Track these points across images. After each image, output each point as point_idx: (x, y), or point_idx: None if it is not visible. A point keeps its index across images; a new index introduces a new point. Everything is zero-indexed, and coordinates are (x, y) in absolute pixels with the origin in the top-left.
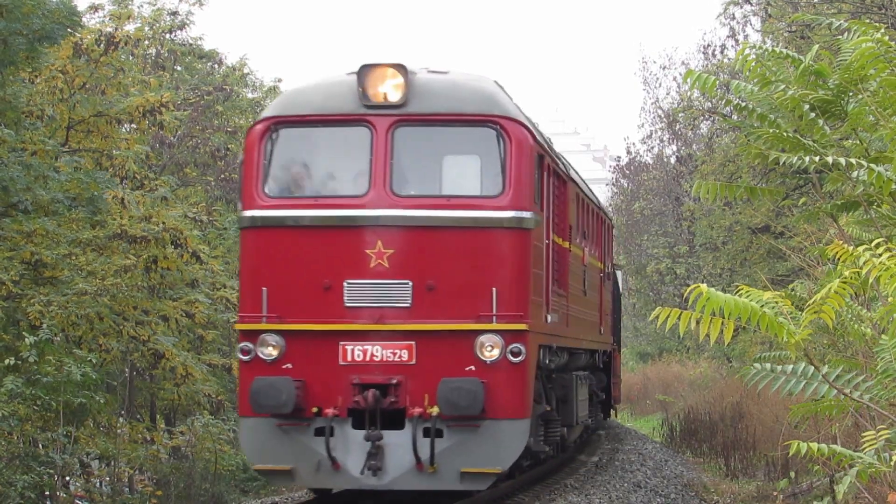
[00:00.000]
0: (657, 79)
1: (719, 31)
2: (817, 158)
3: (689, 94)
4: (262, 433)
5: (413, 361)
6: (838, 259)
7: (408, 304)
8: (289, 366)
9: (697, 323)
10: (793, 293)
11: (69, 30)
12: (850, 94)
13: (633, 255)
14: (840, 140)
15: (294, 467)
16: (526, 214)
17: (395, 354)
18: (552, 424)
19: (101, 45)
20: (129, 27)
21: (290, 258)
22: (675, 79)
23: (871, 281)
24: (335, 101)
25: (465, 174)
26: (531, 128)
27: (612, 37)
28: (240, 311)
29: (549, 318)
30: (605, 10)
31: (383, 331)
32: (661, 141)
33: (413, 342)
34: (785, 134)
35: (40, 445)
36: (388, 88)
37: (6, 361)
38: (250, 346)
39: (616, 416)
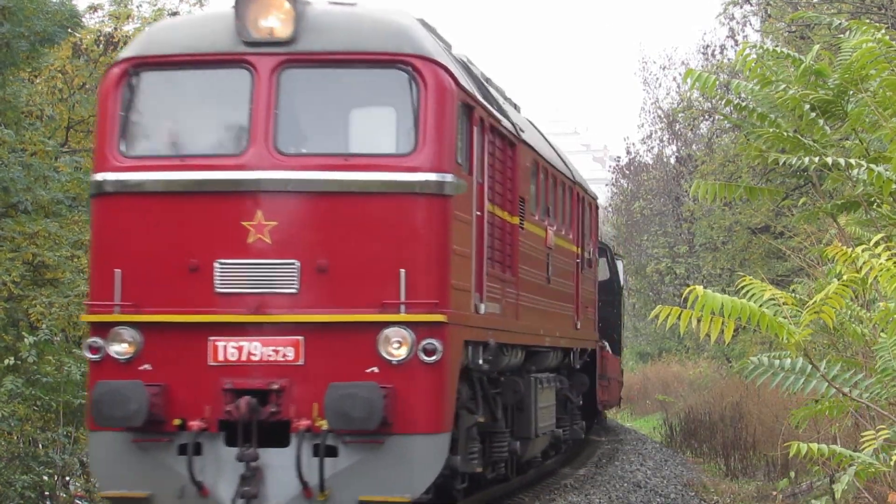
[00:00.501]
0: (657, 79)
1: (719, 31)
2: (817, 159)
3: (688, 94)
4: (112, 451)
5: (300, 361)
6: (838, 260)
7: (294, 290)
8: (147, 367)
9: (698, 322)
10: (793, 294)
11: (70, 31)
12: (850, 94)
13: (633, 255)
14: (840, 140)
15: (151, 494)
16: (444, 177)
17: (277, 353)
18: (497, 438)
19: (101, 46)
20: (129, 27)
21: (149, 233)
22: (674, 79)
23: (870, 281)
24: (209, 38)
25: (368, 128)
26: (456, 71)
27: (612, 37)
28: (88, 299)
29: (482, 307)
30: (606, 10)
31: (263, 323)
32: (661, 141)
33: (300, 337)
34: (785, 134)
35: (40, 445)
36: (274, 21)
37: (6, 361)
38: (100, 342)
39: (605, 419)
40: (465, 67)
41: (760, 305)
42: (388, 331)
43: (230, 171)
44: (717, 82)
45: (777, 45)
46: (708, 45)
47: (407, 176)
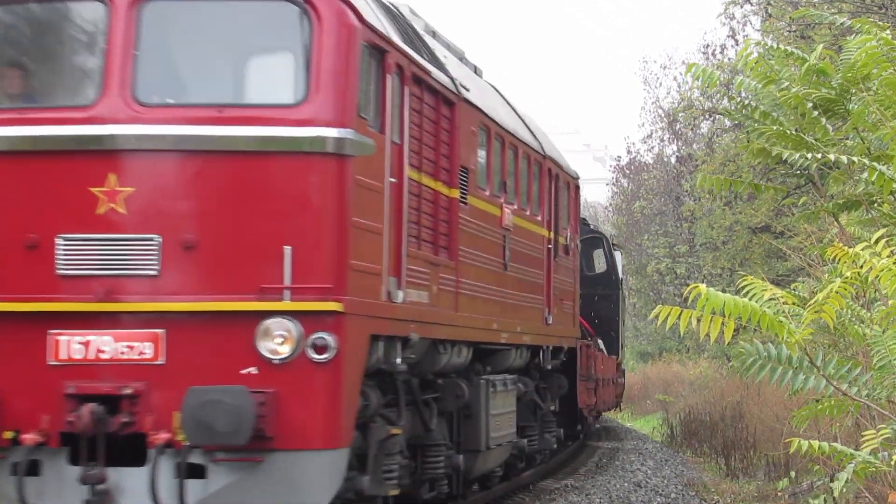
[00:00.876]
0: (657, 78)
1: (719, 30)
2: (819, 155)
3: (689, 93)
4: None
5: (160, 360)
6: (838, 260)
7: (154, 272)
8: None
9: (698, 321)
10: (794, 293)
11: None
12: (853, 93)
13: (634, 254)
14: (841, 140)
15: None
16: (342, 133)
17: (132, 349)
18: (431, 452)
19: None
20: None
21: None
22: (675, 78)
23: (870, 280)
24: None
25: (249, 73)
26: (362, 6)
27: (612, 36)
28: None
29: (399, 295)
30: (606, 9)
31: (116, 313)
32: (662, 140)
33: (161, 330)
34: (787, 132)
35: None
36: None
37: None
38: None
39: (592, 426)
40: (391, 12)
41: (761, 305)
42: (269, 322)
43: (76, 125)
44: (719, 80)
45: (779, 44)
46: (708, 45)
47: (293, 131)
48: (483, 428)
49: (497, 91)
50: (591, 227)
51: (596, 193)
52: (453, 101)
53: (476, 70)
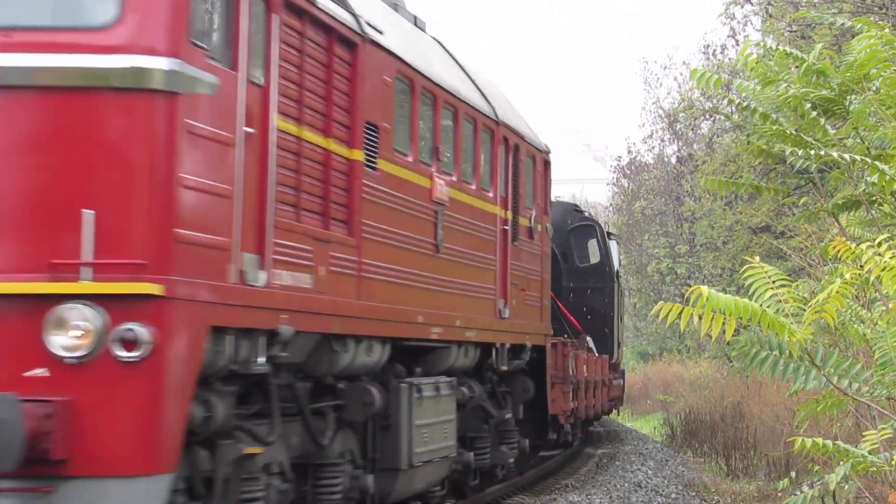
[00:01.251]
0: (658, 78)
1: (720, 30)
2: (822, 153)
3: (689, 93)
4: None
5: None
6: (840, 257)
7: None
8: None
9: (699, 319)
10: (795, 292)
11: None
12: (853, 93)
13: (634, 254)
14: (841, 140)
15: None
16: (168, 64)
17: None
18: (325, 473)
19: None
20: None
21: None
22: (675, 79)
23: (871, 280)
24: None
25: None
26: None
27: (612, 37)
28: None
29: (261, 276)
30: (606, 10)
31: None
32: (662, 141)
33: None
34: (787, 132)
35: None
36: None
37: None
38: None
39: (570, 438)
40: None
41: (762, 304)
42: (62, 309)
43: None
44: (721, 82)
45: (778, 45)
46: (709, 45)
47: (99, 60)
48: (404, 442)
49: (443, 47)
50: (586, 214)
51: (596, 193)
52: (355, 42)
53: (416, 22)
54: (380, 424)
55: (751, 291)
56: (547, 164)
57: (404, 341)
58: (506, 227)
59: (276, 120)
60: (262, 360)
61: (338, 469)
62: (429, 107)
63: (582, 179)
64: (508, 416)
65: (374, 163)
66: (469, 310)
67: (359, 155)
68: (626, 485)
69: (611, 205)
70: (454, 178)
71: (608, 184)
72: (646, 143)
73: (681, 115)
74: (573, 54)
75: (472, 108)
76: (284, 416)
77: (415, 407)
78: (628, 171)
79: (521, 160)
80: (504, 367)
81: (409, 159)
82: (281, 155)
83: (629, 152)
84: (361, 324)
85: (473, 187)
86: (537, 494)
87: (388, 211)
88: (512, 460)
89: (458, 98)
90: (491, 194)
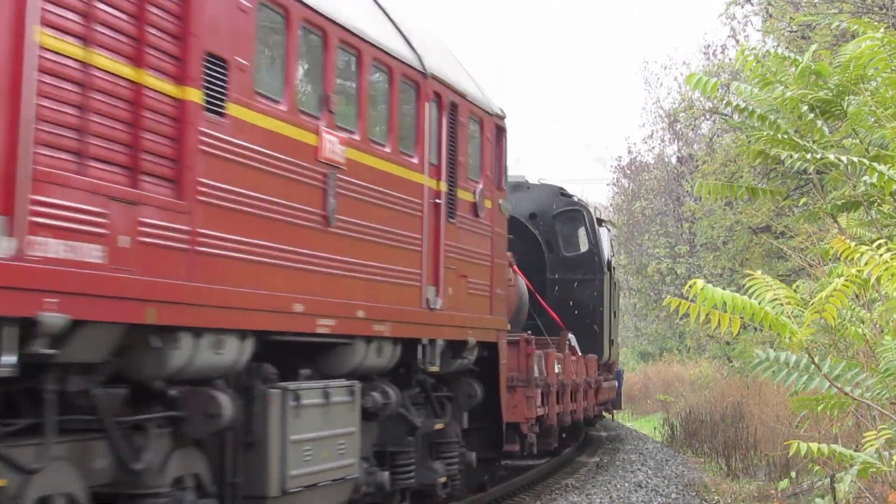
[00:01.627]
0: (658, 78)
1: (720, 31)
2: (819, 156)
3: (690, 94)
4: None
5: None
6: (840, 256)
7: None
8: None
9: (708, 314)
10: (795, 292)
11: None
12: (851, 93)
13: (634, 254)
14: (839, 141)
15: None
16: None
17: None
18: None
19: None
20: None
21: None
22: (675, 79)
23: (871, 280)
24: None
25: None
26: None
27: (613, 37)
28: None
29: (2, 245)
30: (606, 10)
31: None
32: (662, 141)
33: None
34: (785, 135)
35: None
36: None
37: None
38: None
39: (532, 450)
40: None
41: (761, 304)
42: None
43: None
44: (719, 84)
45: (778, 46)
46: (709, 45)
47: None
48: (272, 462)
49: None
50: (574, 198)
51: (597, 193)
52: None
53: None
54: (241, 441)
55: (750, 292)
56: (501, 130)
57: (276, 336)
58: (437, 201)
59: (36, 34)
60: (7, 358)
61: (161, 500)
62: (316, 46)
63: (581, 180)
64: (440, 425)
65: (220, 107)
66: (380, 298)
67: (194, 95)
68: (627, 485)
69: (611, 205)
70: (355, 137)
71: (608, 184)
72: (646, 143)
73: (681, 115)
74: (573, 54)
75: (386, 53)
76: (83, 432)
77: (290, 418)
78: (628, 171)
79: (462, 122)
80: (434, 368)
81: (282, 108)
82: (47, 83)
83: (629, 152)
84: (198, 312)
85: (387, 150)
86: (537, 494)
87: (244, 170)
88: (443, 480)
89: (363, 39)
90: (415, 160)
